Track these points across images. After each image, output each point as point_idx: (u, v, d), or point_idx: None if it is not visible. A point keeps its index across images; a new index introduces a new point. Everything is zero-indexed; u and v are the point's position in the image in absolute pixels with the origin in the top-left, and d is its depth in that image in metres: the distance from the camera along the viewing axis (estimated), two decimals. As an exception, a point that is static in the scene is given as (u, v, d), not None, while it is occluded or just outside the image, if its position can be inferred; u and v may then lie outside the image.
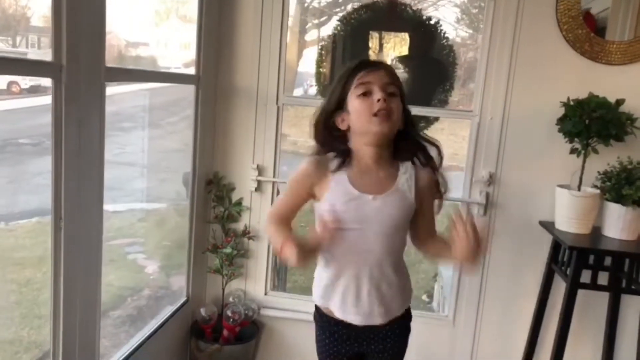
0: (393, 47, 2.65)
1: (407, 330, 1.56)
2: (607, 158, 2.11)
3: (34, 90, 1.79)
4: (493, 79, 2.29)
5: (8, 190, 1.91)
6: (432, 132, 2.98)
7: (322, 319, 1.48)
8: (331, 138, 1.39)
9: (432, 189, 1.41)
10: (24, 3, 1.75)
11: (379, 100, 1.29)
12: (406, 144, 1.39)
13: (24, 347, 1.88)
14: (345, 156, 1.36)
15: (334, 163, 1.36)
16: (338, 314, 1.42)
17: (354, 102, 1.33)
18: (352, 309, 1.40)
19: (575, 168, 2.13)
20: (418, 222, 1.43)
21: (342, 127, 1.37)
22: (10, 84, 1.88)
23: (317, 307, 1.51)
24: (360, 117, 1.32)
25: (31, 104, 1.81)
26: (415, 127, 1.42)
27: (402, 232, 1.42)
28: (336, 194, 1.34)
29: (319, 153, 1.41)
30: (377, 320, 1.43)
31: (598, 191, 2.12)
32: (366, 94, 1.31)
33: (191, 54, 2.35)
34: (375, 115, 1.29)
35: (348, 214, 1.33)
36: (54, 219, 1.46)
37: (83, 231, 1.58)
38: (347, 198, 1.33)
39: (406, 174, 1.38)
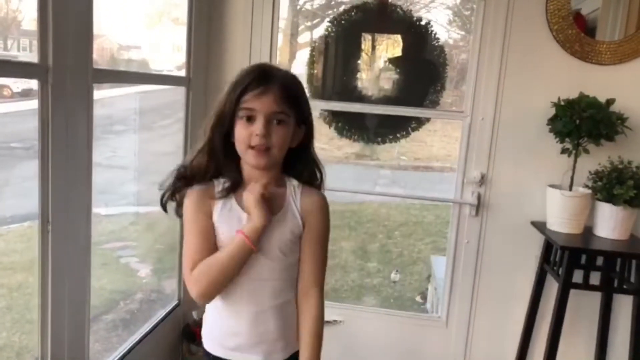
0: (385, 49, 2.66)
1: None
2: (598, 158, 2.11)
3: (26, 94, 1.78)
4: (484, 80, 2.29)
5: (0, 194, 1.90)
6: (424, 133, 2.99)
7: None
8: (223, 152, 1.22)
9: (317, 217, 1.26)
10: (15, 7, 1.74)
11: (257, 135, 1.16)
12: (297, 162, 1.27)
13: (16, 353, 1.87)
14: (236, 181, 1.22)
15: (219, 189, 1.22)
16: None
17: (236, 123, 1.19)
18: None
19: (567, 168, 2.13)
20: (301, 258, 1.26)
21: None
22: (1, 87, 1.88)
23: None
24: (239, 144, 1.19)
25: (22, 107, 1.80)
26: (310, 148, 1.28)
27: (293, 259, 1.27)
28: (223, 220, 1.21)
29: (203, 177, 1.24)
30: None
31: (589, 191, 2.13)
32: (249, 119, 1.17)
33: (183, 56, 2.35)
34: (252, 147, 1.17)
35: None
36: (41, 223, 1.45)
37: (71, 235, 1.57)
38: (236, 223, 1.20)
39: (297, 192, 1.26)
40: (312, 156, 1.29)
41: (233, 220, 1.21)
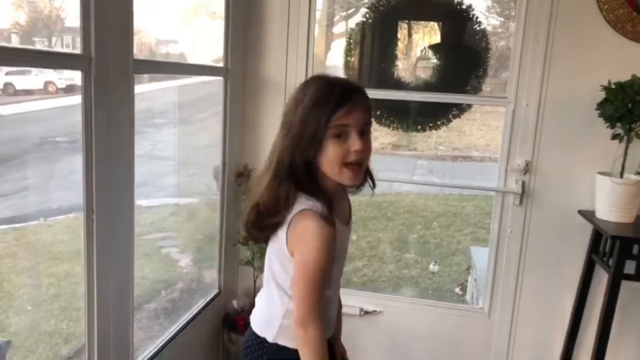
0: (422, 37, 2.61)
1: None
2: (651, 143, 2.02)
3: (70, 90, 1.83)
4: (528, 64, 2.21)
5: (46, 187, 1.95)
6: (463, 122, 2.92)
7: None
8: (311, 180, 1.18)
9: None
10: (58, 4, 1.77)
11: (356, 151, 1.13)
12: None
13: (64, 339, 1.92)
14: (329, 203, 1.17)
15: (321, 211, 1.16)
16: None
17: (328, 147, 1.14)
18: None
19: (617, 154, 2.05)
20: None
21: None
22: (46, 84, 1.92)
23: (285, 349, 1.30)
24: (332, 165, 1.15)
25: (67, 103, 1.84)
26: None
27: None
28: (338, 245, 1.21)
29: (320, 208, 1.16)
30: None
31: (642, 178, 2.04)
32: (341, 136, 1.13)
33: (220, 50, 2.36)
34: (346, 166, 1.14)
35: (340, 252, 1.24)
36: (86, 213, 1.47)
37: (115, 226, 1.60)
38: (339, 236, 1.20)
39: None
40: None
41: (345, 239, 1.25)
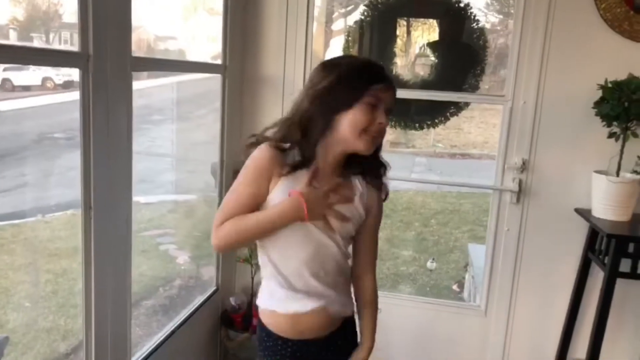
0: (421, 34, 2.61)
1: None
2: (647, 142, 2.03)
3: (68, 86, 1.82)
4: (526, 62, 2.22)
5: (44, 183, 1.95)
6: (461, 120, 2.93)
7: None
8: (305, 135, 1.21)
9: (377, 215, 1.35)
10: (57, 0, 1.77)
11: (380, 123, 1.20)
12: (366, 158, 1.27)
13: (61, 336, 1.92)
14: (307, 161, 1.21)
15: (290, 161, 1.21)
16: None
17: (357, 111, 1.19)
18: None
19: (614, 153, 2.06)
20: (358, 247, 1.36)
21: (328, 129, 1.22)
22: (44, 80, 1.92)
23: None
24: (353, 128, 1.19)
25: (64, 99, 1.84)
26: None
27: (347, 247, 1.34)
28: (282, 194, 1.21)
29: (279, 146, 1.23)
30: None
31: (638, 177, 2.04)
32: (373, 107, 1.20)
33: (218, 47, 2.36)
34: (366, 133, 1.20)
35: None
36: (84, 209, 1.48)
37: (113, 222, 1.60)
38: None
39: (360, 188, 1.30)
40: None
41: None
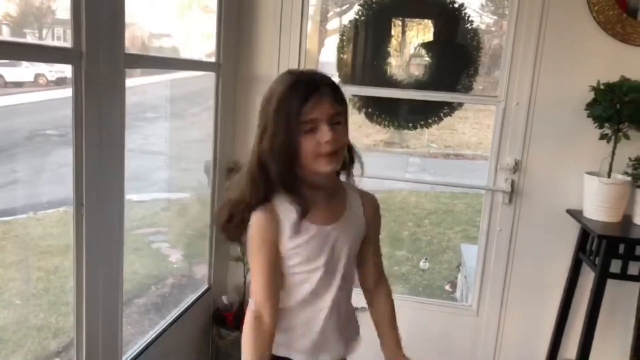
0: (416, 34, 2.61)
1: None
2: (638, 144, 2.04)
3: (60, 82, 1.81)
4: (519, 63, 2.23)
5: (36, 180, 1.94)
6: (455, 120, 2.93)
7: None
8: (269, 178, 1.19)
9: (377, 216, 1.35)
10: (50, -5, 1.76)
11: (327, 141, 1.14)
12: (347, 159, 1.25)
13: (52, 334, 1.91)
14: (305, 204, 1.19)
15: (283, 206, 1.20)
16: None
17: (301, 140, 1.15)
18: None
19: (605, 154, 2.07)
20: (366, 256, 1.35)
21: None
22: (37, 76, 1.91)
23: None
24: (307, 157, 1.16)
25: (57, 95, 1.83)
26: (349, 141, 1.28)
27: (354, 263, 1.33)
28: (295, 236, 1.20)
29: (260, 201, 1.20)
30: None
31: (629, 178, 2.06)
32: (312, 130, 1.14)
33: (213, 44, 2.35)
34: (321, 156, 1.15)
35: (311, 253, 1.22)
36: (76, 207, 1.47)
37: (105, 220, 1.59)
38: (307, 236, 1.21)
39: (353, 194, 1.30)
40: (351, 145, 1.27)
41: (319, 241, 1.22)
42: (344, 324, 1.30)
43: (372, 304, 1.41)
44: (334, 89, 1.18)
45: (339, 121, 1.17)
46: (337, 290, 1.25)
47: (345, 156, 1.24)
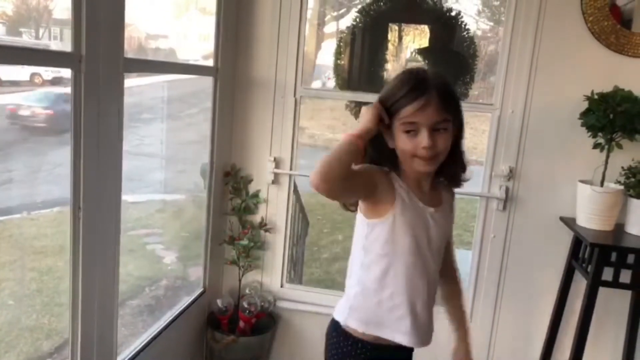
0: (412, 39, 2.62)
1: None
2: (631, 153, 2.07)
3: (57, 82, 1.81)
4: (514, 72, 2.25)
5: (31, 179, 1.93)
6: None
7: (357, 345, 1.31)
8: (382, 148, 1.25)
9: (452, 213, 1.39)
10: (46, -4, 1.76)
11: (424, 147, 1.17)
12: (449, 163, 1.26)
13: (45, 335, 1.90)
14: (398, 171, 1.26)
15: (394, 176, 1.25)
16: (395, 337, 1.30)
17: (399, 134, 1.20)
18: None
19: (598, 163, 2.09)
20: (445, 252, 1.38)
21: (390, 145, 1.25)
22: (32, 75, 1.90)
23: (349, 335, 1.33)
24: (404, 153, 1.21)
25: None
26: (460, 144, 1.29)
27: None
28: (407, 207, 1.23)
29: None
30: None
31: (621, 187, 2.08)
32: (410, 132, 1.18)
33: (210, 46, 2.35)
34: (418, 156, 1.19)
35: (418, 230, 1.25)
36: (73, 209, 1.47)
37: (101, 221, 1.59)
38: (416, 213, 1.24)
39: (445, 192, 1.34)
40: (461, 153, 1.29)
41: (418, 215, 1.25)
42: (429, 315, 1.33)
43: (449, 293, 1.44)
44: (444, 96, 1.18)
45: (444, 127, 1.19)
46: (430, 277, 1.29)
47: (454, 163, 1.27)
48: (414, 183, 1.25)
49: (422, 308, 1.28)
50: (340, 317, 1.33)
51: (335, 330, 1.34)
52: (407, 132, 1.18)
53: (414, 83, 1.18)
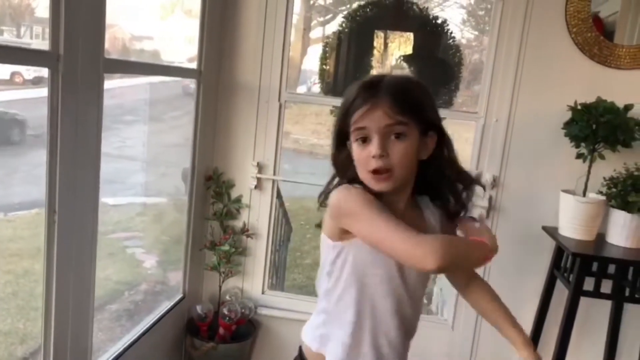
0: (398, 46, 2.63)
1: None
2: (613, 164, 2.08)
3: (38, 82, 1.78)
4: (499, 81, 2.26)
5: (8, 181, 1.90)
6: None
7: None
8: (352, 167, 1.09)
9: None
10: (28, -6, 1.73)
11: (373, 156, 1.02)
12: (432, 176, 1.10)
13: (20, 339, 1.87)
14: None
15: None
16: None
17: (353, 145, 1.07)
18: None
19: (581, 173, 2.10)
20: None
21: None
22: (13, 74, 1.87)
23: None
24: (359, 168, 1.06)
25: (34, 95, 1.79)
26: (444, 158, 1.10)
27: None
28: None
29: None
30: None
31: (603, 197, 2.09)
32: (365, 140, 1.04)
33: (194, 48, 2.33)
34: (371, 172, 1.04)
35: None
36: (48, 213, 1.44)
37: (78, 224, 1.56)
38: None
39: (428, 208, 1.15)
40: (446, 170, 1.11)
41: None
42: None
43: (473, 299, 1.28)
44: (401, 97, 1.03)
45: (401, 134, 1.03)
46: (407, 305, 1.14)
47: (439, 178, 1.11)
48: (385, 204, 1.05)
49: (390, 351, 1.14)
50: (305, 340, 1.21)
51: (300, 355, 1.23)
52: (359, 140, 1.04)
53: (364, 85, 1.06)
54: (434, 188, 1.13)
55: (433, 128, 1.08)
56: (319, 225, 1.18)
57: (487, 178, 2.31)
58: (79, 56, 1.43)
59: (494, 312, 1.26)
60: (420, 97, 1.07)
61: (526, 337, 1.22)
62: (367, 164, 1.03)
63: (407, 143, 1.03)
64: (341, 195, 1.06)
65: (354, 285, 1.09)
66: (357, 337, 1.11)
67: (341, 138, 1.10)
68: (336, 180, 1.14)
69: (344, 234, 1.07)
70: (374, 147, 1.02)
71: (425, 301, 3.96)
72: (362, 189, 1.06)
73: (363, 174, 1.06)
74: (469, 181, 1.13)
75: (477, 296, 1.27)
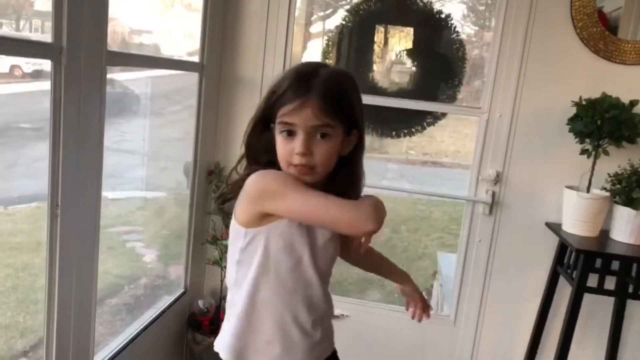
0: (399, 41, 2.61)
1: None
2: (618, 160, 2.07)
3: (37, 75, 1.77)
4: (503, 76, 2.24)
5: (8, 174, 1.88)
6: (435, 129, 2.95)
7: None
8: (266, 149, 1.10)
9: None
10: (28, -13, 1.71)
11: (297, 153, 1.03)
12: (342, 169, 1.11)
13: (20, 332, 1.86)
14: None
15: None
16: None
17: (277, 134, 1.07)
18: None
19: (585, 169, 2.09)
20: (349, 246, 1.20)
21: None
22: (12, 67, 1.85)
23: None
24: (280, 159, 1.07)
25: (34, 88, 1.78)
26: (359, 157, 1.14)
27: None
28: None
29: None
30: None
31: (607, 194, 2.09)
32: (290, 133, 1.04)
33: (195, 43, 2.32)
34: (293, 167, 1.05)
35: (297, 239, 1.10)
36: (50, 207, 1.43)
37: (80, 218, 1.55)
38: (299, 227, 1.08)
39: None
40: (358, 166, 1.14)
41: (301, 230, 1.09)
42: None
43: (361, 259, 1.33)
44: (331, 98, 1.03)
45: (326, 134, 1.04)
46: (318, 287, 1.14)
47: (354, 177, 1.14)
48: None
49: (300, 338, 1.13)
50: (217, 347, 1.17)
51: None
52: (284, 132, 1.05)
53: (296, 78, 1.04)
54: (338, 181, 1.13)
55: (356, 127, 1.10)
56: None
57: (490, 173, 2.30)
58: (82, 49, 1.42)
59: (380, 266, 1.43)
60: (350, 97, 1.09)
61: (406, 275, 1.44)
62: (290, 158, 1.05)
63: (332, 143, 1.05)
64: (260, 179, 1.06)
65: (264, 272, 1.09)
66: (265, 326, 1.11)
67: (264, 122, 1.10)
68: (242, 165, 1.15)
69: (263, 219, 1.06)
70: (298, 145, 1.03)
71: (425, 296, 3.97)
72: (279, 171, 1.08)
73: (285, 167, 1.07)
74: (357, 183, 1.16)
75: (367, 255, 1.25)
